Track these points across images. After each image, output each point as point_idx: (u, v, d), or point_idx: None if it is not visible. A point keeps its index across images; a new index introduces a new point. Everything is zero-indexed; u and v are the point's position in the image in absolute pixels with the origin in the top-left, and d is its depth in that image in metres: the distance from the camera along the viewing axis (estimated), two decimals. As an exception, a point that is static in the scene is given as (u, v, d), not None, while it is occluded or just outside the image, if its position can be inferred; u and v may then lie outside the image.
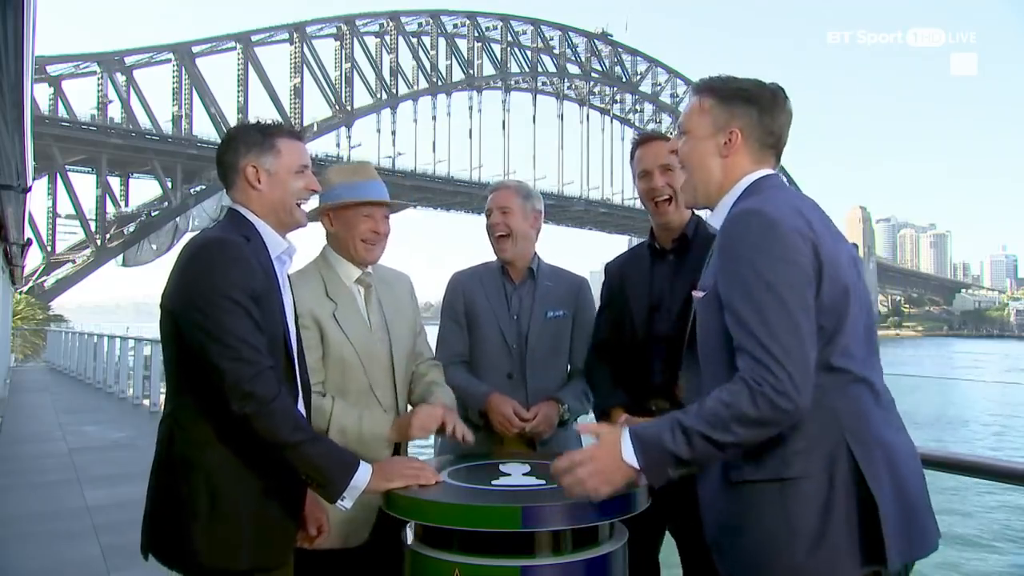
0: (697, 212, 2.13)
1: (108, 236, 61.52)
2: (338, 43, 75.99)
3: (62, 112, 59.43)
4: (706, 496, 1.50)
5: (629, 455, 1.36)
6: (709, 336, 1.48)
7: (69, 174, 59.88)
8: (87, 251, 60.81)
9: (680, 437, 1.34)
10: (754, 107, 1.50)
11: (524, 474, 1.77)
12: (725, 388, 1.34)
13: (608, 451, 1.39)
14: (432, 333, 2.49)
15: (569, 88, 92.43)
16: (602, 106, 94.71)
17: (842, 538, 1.34)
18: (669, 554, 2.24)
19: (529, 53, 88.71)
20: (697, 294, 1.53)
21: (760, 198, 1.45)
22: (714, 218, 1.53)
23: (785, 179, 1.59)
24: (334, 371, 2.04)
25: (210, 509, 1.52)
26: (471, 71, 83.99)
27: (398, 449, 2.15)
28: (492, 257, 2.48)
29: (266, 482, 1.56)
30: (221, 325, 1.50)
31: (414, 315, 2.28)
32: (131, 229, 62.72)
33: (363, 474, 1.57)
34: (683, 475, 1.38)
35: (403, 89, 79.69)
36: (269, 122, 1.74)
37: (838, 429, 1.37)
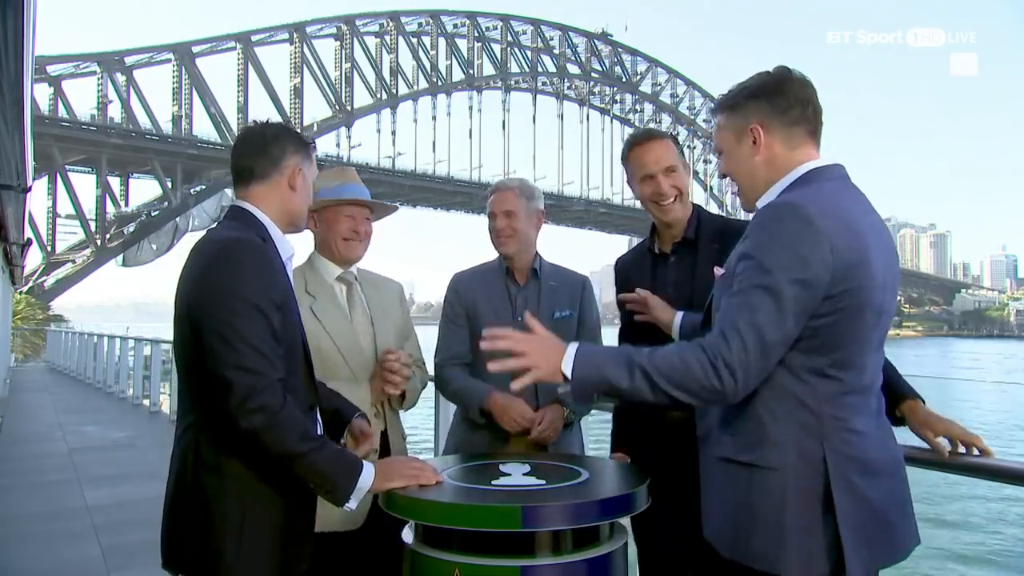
0: (697, 204, 2.11)
1: (108, 236, 61.49)
2: (338, 43, 76.00)
3: (62, 112, 59.43)
4: (703, 463, 1.55)
5: (567, 365, 1.43)
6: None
7: (69, 174, 59.88)
8: (87, 251, 60.78)
9: (623, 370, 1.39)
10: (761, 98, 1.50)
11: (524, 474, 1.77)
12: (687, 346, 1.38)
13: (555, 349, 1.46)
14: (435, 334, 2.48)
15: (569, 88, 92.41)
16: (602, 106, 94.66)
17: (799, 536, 1.36)
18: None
19: (529, 53, 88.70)
20: (719, 271, 1.54)
21: (809, 190, 1.44)
22: (761, 202, 1.53)
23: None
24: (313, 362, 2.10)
25: (241, 520, 1.50)
26: (471, 71, 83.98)
27: (387, 447, 2.19)
28: (493, 255, 2.44)
29: (292, 489, 1.55)
30: (233, 327, 1.46)
31: (403, 320, 2.35)
32: (131, 229, 62.69)
33: (367, 475, 1.56)
34: (599, 403, 1.40)
35: (403, 89, 79.75)
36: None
37: (818, 436, 1.38)
